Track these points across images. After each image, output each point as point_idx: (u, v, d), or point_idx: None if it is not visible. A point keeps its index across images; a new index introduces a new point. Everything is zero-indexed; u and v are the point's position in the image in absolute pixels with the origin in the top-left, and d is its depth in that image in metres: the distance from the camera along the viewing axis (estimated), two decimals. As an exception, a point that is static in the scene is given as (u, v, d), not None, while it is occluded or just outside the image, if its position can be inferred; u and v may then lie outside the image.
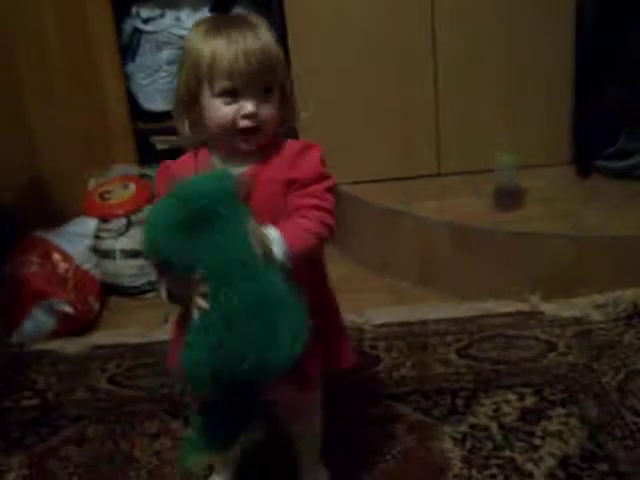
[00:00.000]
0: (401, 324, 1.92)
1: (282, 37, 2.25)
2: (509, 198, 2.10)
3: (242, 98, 1.14)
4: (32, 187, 2.44)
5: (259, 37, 1.14)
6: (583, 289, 1.94)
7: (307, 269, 1.17)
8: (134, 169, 2.40)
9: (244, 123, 1.14)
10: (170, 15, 2.39)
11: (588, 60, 2.13)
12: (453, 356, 1.78)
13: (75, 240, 2.22)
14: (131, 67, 2.45)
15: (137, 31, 2.41)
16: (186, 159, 1.24)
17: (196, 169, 1.19)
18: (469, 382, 1.69)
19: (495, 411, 1.59)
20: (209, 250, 1.05)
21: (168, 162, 1.25)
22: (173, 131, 2.59)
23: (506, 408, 1.59)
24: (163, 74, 2.41)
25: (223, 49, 1.12)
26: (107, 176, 2.41)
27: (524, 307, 1.93)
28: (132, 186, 2.31)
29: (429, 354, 1.80)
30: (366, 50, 2.22)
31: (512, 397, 1.62)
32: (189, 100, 1.18)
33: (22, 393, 1.81)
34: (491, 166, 2.13)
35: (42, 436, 1.66)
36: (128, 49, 2.43)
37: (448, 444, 1.51)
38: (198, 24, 1.20)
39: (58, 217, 2.32)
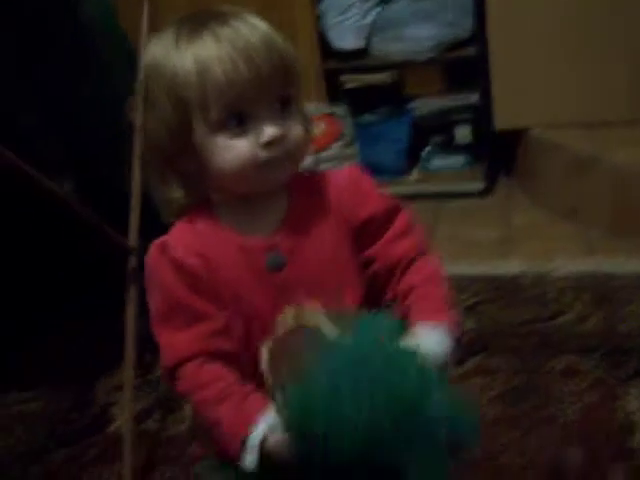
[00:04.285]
0: (589, 275, 1.86)
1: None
2: None
3: (254, 120, 0.78)
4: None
5: (256, 27, 0.79)
6: None
7: None
8: (324, 107, 2.46)
9: (267, 154, 0.78)
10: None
11: None
12: (643, 314, 1.72)
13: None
14: (323, 5, 2.48)
15: (331, -33, 2.43)
16: (186, 228, 0.83)
17: (217, 240, 0.82)
18: (659, 343, 1.63)
19: (688, 377, 1.52)
20: None
21: (163, 240, 0.83)
22: (364, 69, 2.62)
23: (701, 376, 1.52)
24: (355, 10, 2.43)
25: (211, 52, 0.76)
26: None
27: None
28: (321, 125, 2.38)
29: (616, 310, 1.73)
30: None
31: None
32: (173, 147, 0.80)
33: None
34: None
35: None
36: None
37: (634, 406, 1.46)
38: (159, 35, 0.81)
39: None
